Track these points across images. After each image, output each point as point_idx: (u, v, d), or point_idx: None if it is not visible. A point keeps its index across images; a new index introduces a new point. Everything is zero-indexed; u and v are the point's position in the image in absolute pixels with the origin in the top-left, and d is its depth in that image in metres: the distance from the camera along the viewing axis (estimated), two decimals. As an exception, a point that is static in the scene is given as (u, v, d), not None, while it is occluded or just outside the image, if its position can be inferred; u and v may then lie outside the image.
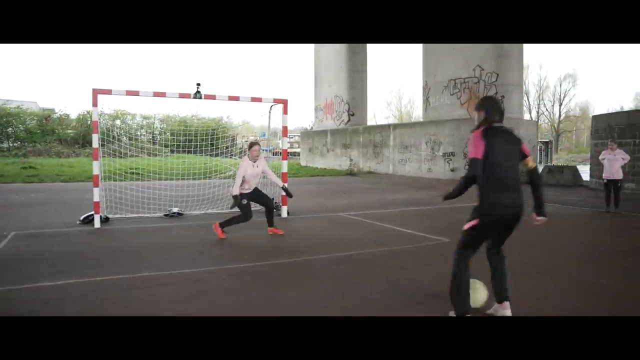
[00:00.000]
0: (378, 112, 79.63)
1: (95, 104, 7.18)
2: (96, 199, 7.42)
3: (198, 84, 7.63)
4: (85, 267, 5.00)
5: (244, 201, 6.55)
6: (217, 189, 9.86)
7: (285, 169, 8.67)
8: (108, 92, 7.25)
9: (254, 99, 8.23)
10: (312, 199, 11.47)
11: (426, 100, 22.88)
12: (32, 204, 10.41)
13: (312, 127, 37.66)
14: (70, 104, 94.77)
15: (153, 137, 43.37)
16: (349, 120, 29.38)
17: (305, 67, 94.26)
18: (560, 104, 61.65)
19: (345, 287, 4.46)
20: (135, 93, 7.38)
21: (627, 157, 10.25)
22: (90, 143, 36.34)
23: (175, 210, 8.73)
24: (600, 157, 10.52)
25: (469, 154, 3.38)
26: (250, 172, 6.54)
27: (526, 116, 47.36)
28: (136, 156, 33.01)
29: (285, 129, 8.72)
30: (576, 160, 46.79)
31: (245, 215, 6.57)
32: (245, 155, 6.91)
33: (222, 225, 6.69)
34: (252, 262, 5.33)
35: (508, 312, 3.53)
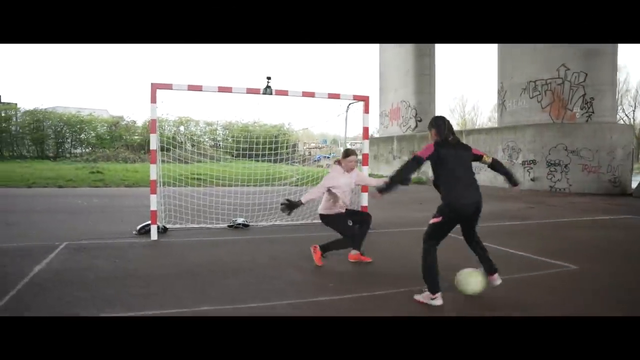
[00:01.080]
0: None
1: (154, 100, 6.40)
2: (153, 207, 6.61)
3: (268, 78, 6.70)
4: (133, 294, 4.09)
5: (350, 222, 5.24)
6: (283, 197, 8.87)
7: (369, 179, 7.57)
8: (168, 87, 6.44)
9: (331, 96, 7.19)
10: (387, 210, 10.24)
11: (502, 104, 21.09)
12: (92, 209, 9.91)
13: (376, 134, 36.47)
14: (138, 110, 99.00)
15: (215, 143, 43.86)
16: (416, 126, 28.00)
17: (369, 73, 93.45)
18: (634, 110, 56.34)
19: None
20: (197, 88, 6.54)
21: None
22: (161, 149, 37.51)
23: (240, 221, 7.82)
24: None
25: (418, 152, 3.91)
26: (343, 182, 5.24)
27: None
28: (199, 162, 32.90)
29: (366, 129, 7.64)
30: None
31: (348, 236, 5.24)
32: (334, 164, 5.52)
33: (324, 249, 5.34)
34: (343, 294, 4.23)
35: (498, 281, 4.18)
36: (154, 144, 6.50)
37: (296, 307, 3.79)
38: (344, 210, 5.31)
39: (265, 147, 9.31)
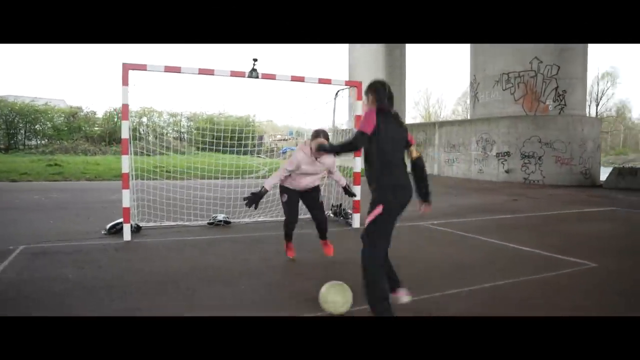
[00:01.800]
0: (405, 112, 77.57)
1: (125, 83, 5.61)
2: (126, 204, 5.82)
3: (255, 60, 6.02)
4: (109, 309, 3.39)
5: (284, 197, 4.78)
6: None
7: (358, 169, 7.02)
8: (142, 67, 5.67)
9: (321, 81, 6.58)
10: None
11: (474, 96, 21.01)
12: (52, 206, 8.94)
13: (344, 126, 36.07)
14: (97, 101, 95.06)
15: (180, 135, 42.47)
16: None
17: (337, 64, 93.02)
18: (597, 104, 58.34)
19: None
20: (176, 69, 5.79)
21: None
22: (117, 141, 35.83)
23: (221, 217, 7.11)
24: None
25: (359, 127, 3.11)
26: (305, 168, 4.61)
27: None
28: (162, 154, 31.63)
29: (358, 117, 7.06)
30: (615, 162, 44.29)
31: (287, 219, 4.80)
32: (302, 145, 4.83)
33: (286, 240, 5.03)
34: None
35: (406, 299, 3.39)
36: (125, 132, 5.71)
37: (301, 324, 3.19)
38: (298, 189, 4.79)
39: (231, 139, 8.75)
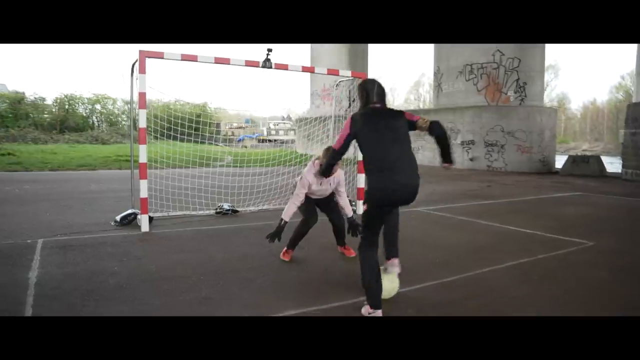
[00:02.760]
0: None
1: (142, 70, 5.49)
2: (144, 194, 5.73)
3: (269, 50, 6.03)
4: (183, 300, 3.42)
5: (315, 207, 4.65)
6: (254, 178, 8.29)
7: (362, 184, 7.10)
8: (159, 55, 5.56)
9: (330, 72, 6.69)
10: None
11: (438, 87, 21.65)
12: (34, 198, 8.57)
13: (306, 114, 36.08)
14: (43, 87, 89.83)
15: (134, 122, 41.11)
16: (349, 106, 28.00)
17: (297, 52, 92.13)
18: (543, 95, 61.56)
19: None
20: (192, 58, 5.72)
21: None
22: (69, 129, 34.31)
23: (226, 207, 7.12)
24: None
25: (334, 143, 3.34)
26: (315, 188, 4.51)
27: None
28: (119, 142, 30.83)
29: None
30: (558, 150, 46.96)
31: (306, 218, 4.59)
32: (311, 165, 4.54)
33: (289, 245, 4.72)
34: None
35: (397, 269, 3.59)
36: (143, 122, 5.60)
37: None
38: (314, 197, 4.65)
39: (188, 127, 8.26)
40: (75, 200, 8.25)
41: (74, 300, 3.33)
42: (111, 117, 40.43)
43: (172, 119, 8.05)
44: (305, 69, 6.42)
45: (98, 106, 38.79)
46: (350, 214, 4.68)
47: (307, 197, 4.57)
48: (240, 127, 51.61)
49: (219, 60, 5.89)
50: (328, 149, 4.18)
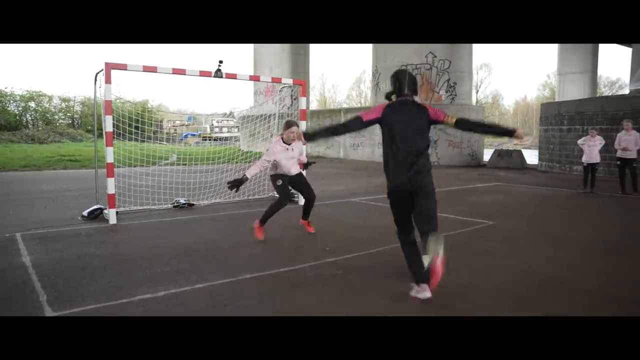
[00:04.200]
0: (309, 99, 79.43)
1: (108, 81, 6.18)
2: (111, 190, 6.43)
3: (220, 62, 6.86)
4: (162, 273, 4.25)
5: (279, 182, 5.54)
6: (198, 174, 9.10)
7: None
8: (122, 67, 6.27)
9: (274, 80, 7.61)
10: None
11: (376, 86, 22.97)
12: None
13: (249, 112, 36.56)
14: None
15: (73, 120, 39.92)
16: (291, 104, 28.88)
17: (240, 49, 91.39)
18: (477, 91, 65.10)
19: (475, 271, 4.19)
20: (152, 69, 6.46)
21: (603, 142, 10.85)
22: (0, 128, 32.86)
23: (183, 201, 7.90)
24: (579, 143, 11.06)
25: (362, 114, 3.53)
26: (281, 157, 5.45)
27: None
28: (58, 142, 30.23)
29: (303, 111, 8.16)
30: (492, 144, 50.14)
31: (281, 199, 5.54)
32: (277, 138, 5.62)
33: (262, 221, 5.59)
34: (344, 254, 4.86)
35: (427, 294, 3.49)
36: (109, 126, 6.28)
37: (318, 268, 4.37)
38: (289, 174, 5.63)
39: (129, 125, 8.39)
40: (34, 200, 8.70)
41: (72, 275, 4.10)
42: (47, 115, 38.98)
43: (114, 117, 8.34)
44: (252, 78, 7.32)
45: (32, 104, 37.35)
46: (305, 160, 6.02)
47: (284, 177, 5.57)
48: (183, 125, 51.15)
49: (176, 71, 6.67)
50: (287, 122, 5.54)
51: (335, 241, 5.52)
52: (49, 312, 3.25)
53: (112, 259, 4.68)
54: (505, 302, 3.61)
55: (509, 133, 3.55)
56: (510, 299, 3.69)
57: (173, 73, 6.63)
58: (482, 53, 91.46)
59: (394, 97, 3.61)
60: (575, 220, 7.22)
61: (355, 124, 3.54)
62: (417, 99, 3.62)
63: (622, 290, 3.89)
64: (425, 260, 3.30)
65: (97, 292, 3.67)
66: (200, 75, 6.86)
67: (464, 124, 3.54)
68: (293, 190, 5.99)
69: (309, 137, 3.79)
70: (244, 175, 5.24)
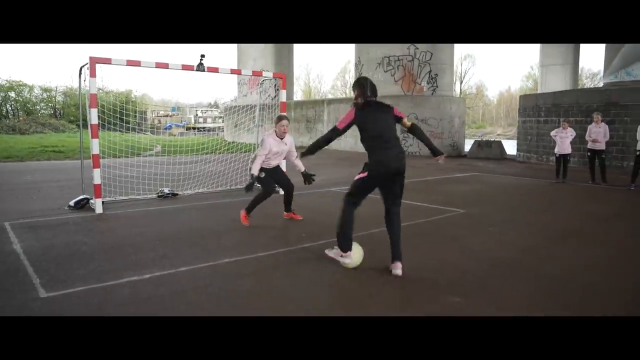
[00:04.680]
0: (293, 90, 79.18)
1: (93, 74, 6.37)
2: (97, 181, 6.65)
3: (202, 56, 7.07)
4: (147, 258, 4.52)
5: (262, 174, 5.82)
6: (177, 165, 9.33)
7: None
8: (107, 61, 6.45)
9: (255, 73, 7.84)
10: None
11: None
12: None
13: (234, 102, 36.58)
14: None
15: (55, 111, 39.56)
16: (275, 95, 29.01)
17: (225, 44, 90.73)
18: (461, 82, 65.75)
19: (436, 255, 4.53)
20: (136, 63, 6.65)
21: (574, 134, 11.30)
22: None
23: (167, 190, 8.13)
24: (552, 134, 11.48)
25: (338, 122, 4.07)
26: (275, 150, 5.88)
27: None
28: (40, 132, 30.11)
29: (283, 104, 8.41)
30: (475, 134, 50.85)
31: (267, 190, 5.90)
32: (269, 131, 6.03)
33: (248, 209, 5.97)
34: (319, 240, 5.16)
35: (399, 272, 4.08)
36: (94, 119, 6.48)
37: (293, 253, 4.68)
38: (269, 167, 5.96)
39: (113, 116, 8.53)
40: (19, 191, 8.85)
41: (62, 261, 4.35)
42: (28, 105, 38.57)
43: (99, 108, 8.43)
44: (233, 71, 7.55)
45: (12, 94, 36.89)
46: (302, 168, 5.89)
47: (266, 169, 5.90)
48: (167, 115, 50.88)
49: (159, 65, 6.87)
50: (278, 117, 5.91)
51: (313, 229, 5.83)
52: (42, 294, 3.51)
53: (100, 246, 4.93)
54: (468, 287, 3.95)
55: (436, 153, 4.27)
56: (472, 283, 4.03)
57: (156, 67, 6.83)
58: (462, 47, 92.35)
59: (360, 100, 4.10)
60: (541, 208, 7.63)
61: (335, 133, 4.09)
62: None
63: (578, 274, 4.27)
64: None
65: (87, 276, 3.94)
66: (182, 69, 7.07)
67: (415, 130, 4.22)
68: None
69: (307, 154, 4.27)
70: (252, 175, 5.64)
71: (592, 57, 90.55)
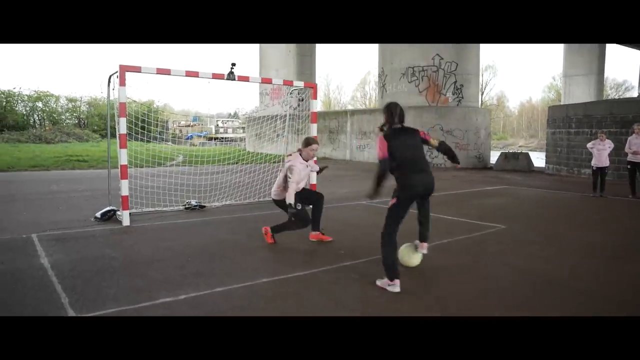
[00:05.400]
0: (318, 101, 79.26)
1: (123, 83, 6.22)
2: (125, 192, 6.47)
3: (233, 64, 6.89)
4: (179, 275, 4.29)
5: (299, 206, 5.24)
6: (213, 176, 9.14)
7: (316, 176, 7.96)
8: (137, 69, 6.31)
9: (286, 82, 7.64)
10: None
11: (382, 87, 22.98)
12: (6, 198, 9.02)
13: (255, 113, 36.65)
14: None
15: (79, 121, 40.14)
16: (297, 105, 28.89)
17: (247, 50, 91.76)
18: (482, 93, 65.03)
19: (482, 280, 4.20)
20: (166, 72, 6.50)
21: (612, 146, 10.82)
22: (8, 127, 33.16)
23: (194, 202, 7.94)
24: (589, 146, 11.03)
25: (378, 155, 4.14)
26: (303, 175, 5.42)
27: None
28: (65, 142, 30.43)
29: (314, 114, 8.17)
30: (497, 146, 50.18)
31: (304, 221, 5.38)
32: (294, 153, 5.53)
33: (274, 230, 5.56)
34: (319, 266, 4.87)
35: (424, 251, 4.58)
36: (123, 128, 6.33)
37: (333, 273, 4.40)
38: (298, 190, 5.39)
39: (136, 125, 8.27)
40: (44, 201, 8.76)
41: (91, 277, 4.15)
42: (54, 115, 39.26)
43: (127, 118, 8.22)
44: (264, 80, 7.34)
45: (39, 104, 37.60)
46: (317, 168, 5.94)
47: (300, 198, 5.36)
48: (188, 125, 51.37)
49: (189, 74, 6.71)
50: (307, 140, 5.50)
51: (350, 245, 5.54)
52: (71, 313, 3.29)
53: (129, 261, 4.73)
54: (512, 305, 3.62)
55: (455, 160, 4.69)
56: (517, 302, 3.70)
57: (186, 75, 6.67)
58: (487, 55, 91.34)
59: (385, 127, 4.24)
60: (584, 225, 7.22)
61: (386, 163, 4.11)
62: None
63: (635, 296, 3.90)
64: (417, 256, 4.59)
65: (118, 295, 3.72)
66: (213, 78, 6.90)
67: (442, 147, 4.55)
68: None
69: (375, 195, 4.23)
70: (295, 206, 5.14)
71: (617, 66, 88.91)
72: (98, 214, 6.83)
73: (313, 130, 8.16)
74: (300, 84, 7.96)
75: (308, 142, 5.48)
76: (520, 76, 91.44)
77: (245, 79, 7.17)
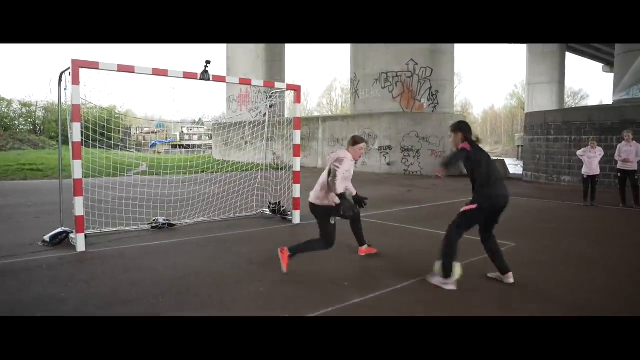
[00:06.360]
0: (285, 106, 78.81)
1: (76, 81, 5.20)
2: (79, 212, 5.41)
3: (207, 62, 5.99)
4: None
5: (332, 220, 4.59)
6: (163, 186, 8.14)
7: (298, 167, 7.31)
8: (93, 65, 5.30)
9: (266, 84, 6.78)
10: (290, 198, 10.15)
11: (355, 93, 22.40)
12: None
13: (223, 119, 35.53)
14: None
15: (35, 127, 37.89)
16: (267, 111, 27.97)
17: (213, 54, 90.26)
18: (450, 100, 65.86)
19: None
20: (129, 69, 5.51)
21: (603, 153, 10.43)
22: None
23: (162, 220, 6.91)
24: (579, 154, 10.62)
25: (461, 146, 4.27)
26: (352, 171, 4.77)
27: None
28: (18, 149, 28.63)
29: (297, 120, 7.33)
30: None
31: (330, 239, 4.62)
32: (345, 152, 4.75)
33: (294, 251, 4.66)
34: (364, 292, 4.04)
35: (511, 280, 4.48)
36: (77, 135, 5.29)
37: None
38: (334, 204, 4.63)
39: (94, 132, 7.40)
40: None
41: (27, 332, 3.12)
42: (5, 120, 37.01)
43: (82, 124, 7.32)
44: (242, 81, 6.45)
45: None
46: (354, 191, 5.26)
47: (330, 209, 4.64)
48: (152, 132, 49.49)
49: (156, 72, 5.75)
50: (354, 138, 4.88)
51: (350, 274, 4.71)
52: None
53: (83, 305, 3.71)
54: None
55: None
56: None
57: (153, 74, 5.70)
58: (461, 53, 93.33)
59: (465, 142, 4.32)
60: (589, 238, 6.65)
61: (462, 154, 4.26)
62: None
63: None
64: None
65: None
66: (184, 77, 5.96)
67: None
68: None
69: (447, 169, 4.35)
70: (343, 194, 4.41)
71: (573, 75, 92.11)
72: (47, 237, 5.74)
73: (296, 137, 7.34)
74: (283, 85, 7.11)
75: (355, 140, 4.84)
76: (484, 84, 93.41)
77: (221, 79, 6.27)
